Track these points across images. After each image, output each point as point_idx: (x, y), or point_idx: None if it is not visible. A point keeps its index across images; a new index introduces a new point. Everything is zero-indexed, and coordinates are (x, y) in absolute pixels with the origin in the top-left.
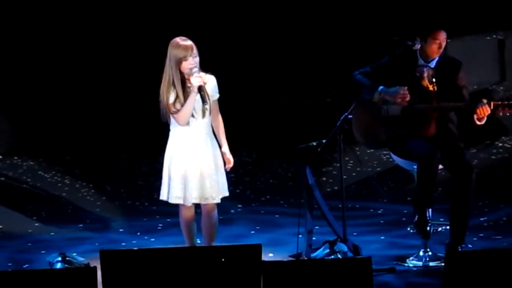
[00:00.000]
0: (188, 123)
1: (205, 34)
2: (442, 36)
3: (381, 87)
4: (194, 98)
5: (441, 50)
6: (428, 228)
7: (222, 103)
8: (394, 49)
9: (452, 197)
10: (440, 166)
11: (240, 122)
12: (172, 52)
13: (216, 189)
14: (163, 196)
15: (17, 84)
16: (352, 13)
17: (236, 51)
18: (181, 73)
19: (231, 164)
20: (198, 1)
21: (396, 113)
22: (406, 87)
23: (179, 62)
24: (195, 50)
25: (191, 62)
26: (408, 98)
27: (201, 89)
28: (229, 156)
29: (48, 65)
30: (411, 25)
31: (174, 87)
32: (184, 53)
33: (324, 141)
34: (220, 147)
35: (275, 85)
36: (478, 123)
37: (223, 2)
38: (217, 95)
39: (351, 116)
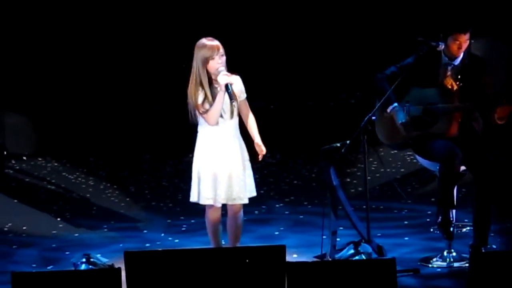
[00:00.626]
0: (217, 123)
1: (229, 36)
2: (463, 38)
3: (394, 105)
4: (223, 97)
5: (462, 50)
6: (451, 229)
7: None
8: (418, 49)
9: (474, 198)
10: (464, 167)
11: (264, 123)
12: (199, 53)
13: (243, 189)
14: (193, 197)
15: (41, 86)
16: (375, 14)
17: (260, 52)
18: (208, 73)
19: (264, 152)
20: (223, 2)
21: (417, 113)
22: (407, 125)
23: (206, 61)
24: (221, 50)
25: (218, 61)
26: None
27: (228, 87)
28: (262, 147)
29: (72, 66)
30: (433, 25)
31: (202, 87)
32: (211, 52)
33: (348, 142)
34: (253, 141)
35: (299, 87)
36: (498, 122)
37: (247, 3)
38: (244, 95)
39: (374, 118)
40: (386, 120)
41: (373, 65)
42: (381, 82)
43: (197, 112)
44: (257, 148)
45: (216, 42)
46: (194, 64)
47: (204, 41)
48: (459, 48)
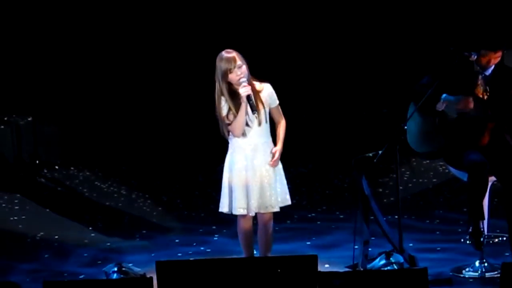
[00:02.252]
0: (244, 133)
1: (263, 44)
2: (493, 56)
3: (444, 95)
4: (245, 108)
5: (491, 64)
6: (481, 240)
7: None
8: (450, 59)
9: (506, 209)
10: (494, 178)
11: (296, 132)
12: (218, 66)
13: (275, 198)
14: (223, 208)
15: (74, 95)
16: (405, 23)
17: (293, 61)
18: (231, 85)
19: (275, 158)
20: (257, 12)
21: (452, 117)
22: (472, 97)
23: (225, 74)
24: (238, 61)
25: (237, 73)
26: (471, 105)
27: (249, 99)
28: (276, 156)
29: (106, 75)
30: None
31: (225, 99)
32: (228, 65)
33: (380, 152)
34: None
35: (331, 96)
36: None
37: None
38: (276, 102)
39: (406, 127)
40: (418, 129)
41: (406, 75)
42: (420, 88)
43: (224, 124)
44: (271, 154)
45: (232, 54)
46: (216, 76)
47: (223, 53)
48: (488, 63)
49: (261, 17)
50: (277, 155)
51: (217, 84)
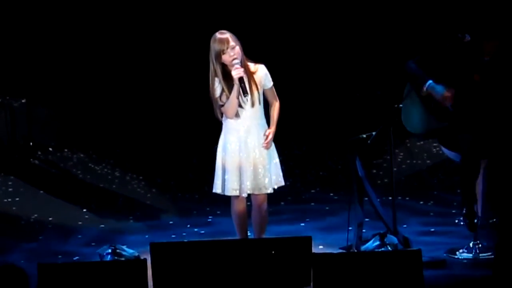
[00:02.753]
0: (238, 115)
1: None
2: (489, 44)
3: (429, 82)
4: (237, 90)
5: (489, 51)
6: (475, 221)
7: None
8: (444, 41)
9: (497, 190)
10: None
11: (290, 114)
12: (212, 46)
13: (268, 179)
14: (217, 189)
15: (68, 78)
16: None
17: (286, 43)
18: (225, 66)
19: (267, 140)
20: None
21: (441, 91)
22: (453, 91)
23: (218, 56)
24: (232, 42)
25: (230, 54)
26: (450, 102)
27: (241, 81)
28: (269, 138)
29: (99, 59)
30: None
31: (219, 81)
32: (221, 46)
33: (374, 133)
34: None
35: (325, 78)
36: None
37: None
38: (270, 84)
39: (401, 105)
40: (413, 108)
41: (400, 57)
42: (412, 64)
43: (217, 105)
44: (264, 136)
45: (225, 35)
46: (210, 58)
47: (216, 34)
48: (486, 50)
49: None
50: (270, 136)
51: (211, 65)
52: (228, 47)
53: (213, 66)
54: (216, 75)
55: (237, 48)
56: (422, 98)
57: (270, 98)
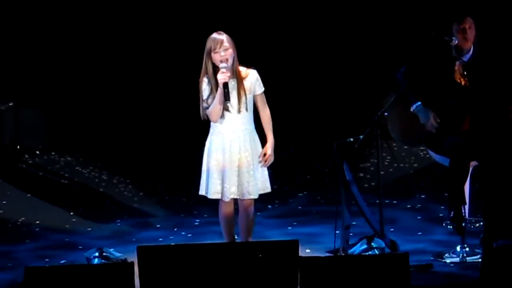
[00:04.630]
0: (224, 118)
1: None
2: (461, 27)
3: (417, 104)
4: (220, 94)
5: (468, 41)
6: (463, 225)
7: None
8: (431, 44)
9: (485, 192)
10: (476, 163)
11: (277, 117)
12: (206, 44)
13: (253, 184)
14: (202, 191)
15: (55, 80)
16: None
17: (275, 45)
18: (216, 66)
19: (266, 163)
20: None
21: (427, 117)
22: (438, 121)
23: (209, 54)
24: (226, 43)
25: (221, 53)
26: (432, 131)
27: (225, 86)
28: (268, 152)
29: (87, 61)
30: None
31: (209, 80)
32: (213, 44)
33: (361, 136)
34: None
35: (312, 82)
36: None
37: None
38: (260, 90)
39: (387, 113)
40: (398, 117)
41: (387, 60)
42: (400, 80)
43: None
44: (262, 153)
45: (222, 36)
46: (204, 55)
47: (213, 33)
48: (465, 38)
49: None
50: (269, 154)
51: (203, 63)
52: (221, 47)
53: (205, 64)
54: (206, 73)
55: (230, 51)
56: (406, 108)
57: (260, 104)
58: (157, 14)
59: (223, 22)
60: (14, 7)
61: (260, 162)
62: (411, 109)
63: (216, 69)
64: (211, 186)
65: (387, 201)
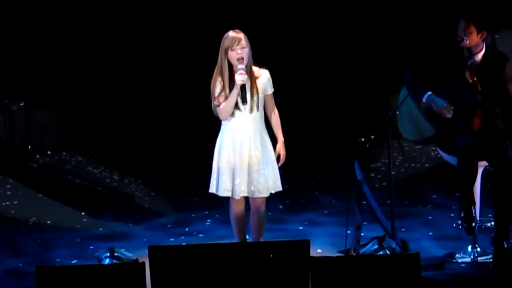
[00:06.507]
0: (235, 117)
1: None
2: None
3: (428, 93)
4: (236, 95)
5: (471, 40)
6: (473, 225)
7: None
8: (442, 44)
9: (495, 192)
10: (486, 163)
11: (288, 118)
12: (222, 41)
13: (263, 183)
14: (212, 189)
15: (66, 80)
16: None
17: (285, 46)
18: (231, 65)
19: (283, 159)
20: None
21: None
22: (453, 107)
23: (226, 51)
24: (243, 42)
25: (238, 51)
26: (449, 116)
27: (242, 88)
28: (282, 152)
29: (99, 61)
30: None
31: (222, 78)
32: (231, 42)
33: (372, 136)
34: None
35: (324, 81)
36: None
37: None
38: (271, 90)
39: (398, 112)
40: (409, 115)
41: (399, 60)
42: (409, 75)
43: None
44: (276, 153)
45: (239, 35)
46: (219, 53)
47: (230, 32)
48: (472, 40)
49: (252, 3)
50: (283, 153)
51: (218, 60)
52: (239, 44)
53: (220, 61)
54: (221, 72)
55: (247, 50)
56: (419, 106)
57: (269, 104)
58: (172, 14)
59: (232, 21)
60: (26, 7)
61: (277, 161)
62: (423, 100)
63: (231, 67)
64: (221, 183)
65: (398, 201)
